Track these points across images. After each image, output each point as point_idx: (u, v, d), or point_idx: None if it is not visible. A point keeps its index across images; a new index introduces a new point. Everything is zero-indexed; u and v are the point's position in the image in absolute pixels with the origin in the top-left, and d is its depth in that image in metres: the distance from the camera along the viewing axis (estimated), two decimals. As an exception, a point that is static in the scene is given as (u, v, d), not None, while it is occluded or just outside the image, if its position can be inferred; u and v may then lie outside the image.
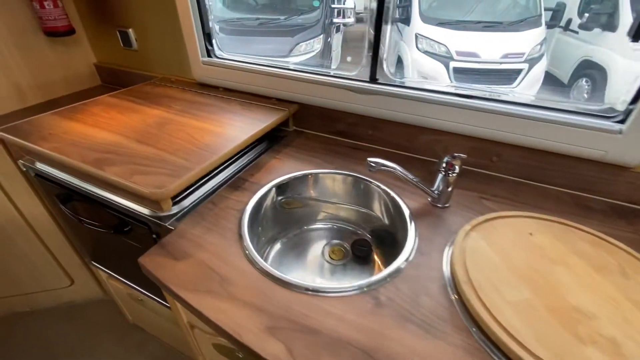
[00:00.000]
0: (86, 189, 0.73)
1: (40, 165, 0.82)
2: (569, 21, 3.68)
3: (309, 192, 0.82)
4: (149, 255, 0.57)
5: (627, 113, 0.64)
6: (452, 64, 3.15)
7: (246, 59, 1.01)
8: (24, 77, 1.11)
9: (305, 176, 0.79)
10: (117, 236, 0.76)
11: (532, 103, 0.73)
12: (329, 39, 3.33)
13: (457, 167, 0.63)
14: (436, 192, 0.67)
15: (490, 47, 3.16)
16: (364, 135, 0.91)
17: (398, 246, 0.67)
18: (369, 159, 0.63)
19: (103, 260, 1.04)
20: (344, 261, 0.78)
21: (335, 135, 0.95)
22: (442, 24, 3.32)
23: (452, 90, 0.78)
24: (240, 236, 0.61)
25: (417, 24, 3.31)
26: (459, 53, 3.14)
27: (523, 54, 3.12)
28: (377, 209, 0.77)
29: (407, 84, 0.83)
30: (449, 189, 0.66)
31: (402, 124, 0.84)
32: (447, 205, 0.68)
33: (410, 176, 0.65)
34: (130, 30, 1.13)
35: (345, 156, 0.86)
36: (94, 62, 1.31)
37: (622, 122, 0.65)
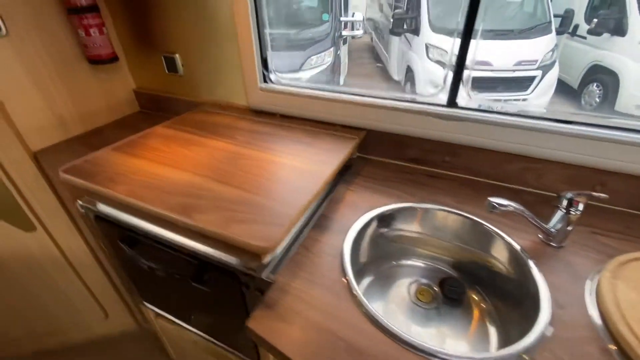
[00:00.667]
0: (160, 234, 0.67)
1: (103, 207, 0.76)
2: (577, 27, 3.68)
3: (408, 227, 0.75)
4: (257, 318, 0.50)
5: None
6: (465, 73, 3.13)
7: (304, 84, 0.96)
8: (67, 108, 1.06)
9: (404, 210, 0.73)
10: (186, 282, 0.70)
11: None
12: (338, 52, 3.33)
13: (581, 204, 0.58)
14: (553, 230, 0.61)
15: (502, 55, 3.15)
16: (440, 162, 0.85)
17: (513, 293, 0.61)
18: (491, 199, 0.57)
19: (158, 301, 0.97)
20: (435, 304, 0.72)
21: (407, 162, 0.89)
22: (451, 33, 3.32)
23: (547, 115, 0.73)
24: (349, 289, 0.54)
25: (427, 34, 3.31)
26: (471, 62, 3.12)
27: (536, 61, 3.10)
28: (480, 247, 0.71)
29: (492, 109, 0.78)
30: (569, 228, 0.60)
31: (485, 150, 0.79)
32: (562, 245, 0.62)
33: (537, 220, 0.59)
34: (176, 55, 1.09)
35: (424, 186, 0.80)
36: (133, 88, 1.26)
37: None
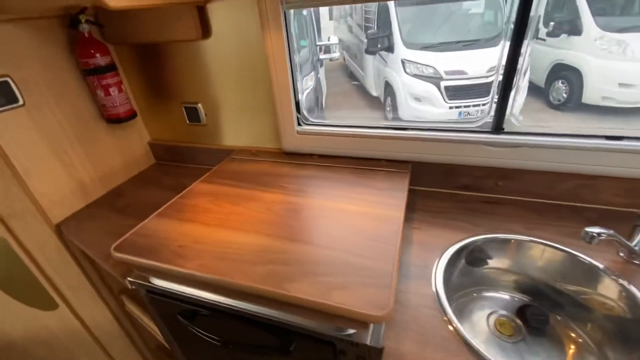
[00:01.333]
0: (235, 306, 0.62)
1: (159, 282, 0.70)
2: (537, 30, 3.96)
3: (495, 263, 0.74)
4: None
5: None
6: (443, 84, 3.28)
7: (341, 123, 0.95)
8: (87, 171, 0.99)
9: (491, 242, 0.72)
10: (263, 354, 0.64)
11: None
12: (318, 75, 3.39)
13: (667, 222, 0.59)
14: (637, 248, 0.62)
15: (475, 64, 3.31)
16: (492, 187, 0.85)
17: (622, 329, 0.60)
18: (587, 229, 0.57)
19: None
20: (520, 337, 0.70)
21: (458, 190, 0.89)
22: (425, 47, 3.48)
23: (599, 132, 0.75)
24: (466, 343, 0.52)
25: (402, 51, 3.45)
26: (447, 72, 3.28)
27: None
28: (576, 281, 0.69)
29: (538, 131, 0.79)
30: (656, 246, 0.61)
31: (537, 172, 0.80)
32: (647, 262, 0.63)
33: (625, 241, 0.60)
34: (199, 105, 1.05)
35: (484, 214, 0.80)
36: (148, 141, 1.21)
37: None
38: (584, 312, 0.66)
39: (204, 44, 0.94)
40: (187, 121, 1.10)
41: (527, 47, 0.75)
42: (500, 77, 0.78)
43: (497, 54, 3.40)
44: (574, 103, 3.54)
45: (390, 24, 3.66)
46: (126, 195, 1.05)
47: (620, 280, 0.60)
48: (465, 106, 3.39)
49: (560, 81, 3.73)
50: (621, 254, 0.65)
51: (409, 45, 3.49)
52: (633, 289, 0.58)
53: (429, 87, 3.38)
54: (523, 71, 3.25)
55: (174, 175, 1.14)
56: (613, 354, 0.59)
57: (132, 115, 1.03)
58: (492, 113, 0.82)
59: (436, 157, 0.86)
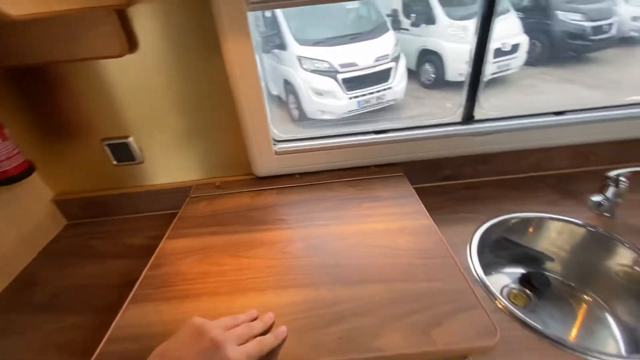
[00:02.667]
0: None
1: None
2: (400, 22, 4.55)
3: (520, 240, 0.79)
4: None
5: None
6: (340, 76, 3.48)
7: (317, 134, 0.86)
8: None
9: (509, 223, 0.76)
10: None
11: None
12: None
13: (626, 179, 0.72)
14: (607, 204, 0.74)
15: (363, 55, 3.60)
16: (471, 172, 0.91)
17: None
18: (592, 198, 0.64)
19: None
20: (533, 304, 0.77)
21: (443, 181, 0.92)
22: (317, 43, 3.61)
23: (550, 111, 0.87)
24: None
25: (295, 48, 3.50)
26: (342, 65, 3.48)
27: (388, 55, 3.68)
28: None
29: (505, 115, 0.87)
30: (619, 200, 0.74)
31: (506, 152, 0.88)
32: (614, 215, 0.75)
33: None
34: (130, 139, 0.81)
35: (474, 200, 0.84)
36: (51, 198, 0.88)
37: None
38: (590, 274, 0.75)
39: (129, 60, 0.71)
40: (114, 162, 0.84)
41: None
42: (470, 70, 0.82)
43: (381, 45, 3.74)
44: (440, 81, 4.16)
45: (278, 22, 3.63)
46: (43, 283, 0.74)
47: (600, 231, 0.71)
48: (362, 95, 3.63)
49: (427, 64, 4.35)
50: (594, 211, 0.77)
51: (301, 42, 3.53)
52: (615, 235, 0.70)
53: (327, 81, 3.49)
54: (394, 56, 3.65)
55: (106, 235, 0.87)
56: (622, 307, 0.69)
57: (26, 170, 0.72)
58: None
59: (420, 154, 0.87)
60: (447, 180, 0.92)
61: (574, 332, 0.71)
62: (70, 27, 0.60)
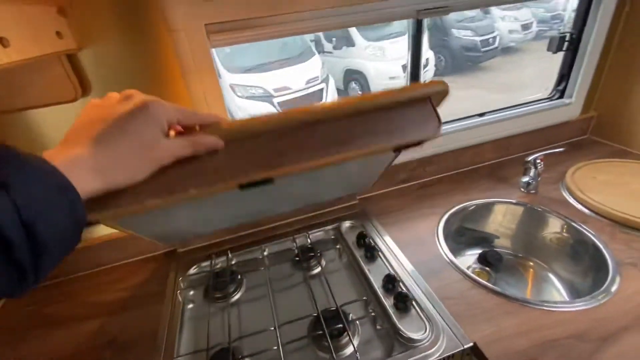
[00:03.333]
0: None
1: None
2: (323, 46, 4.90)
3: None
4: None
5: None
6: (275, 100, 3.60)
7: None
8: None
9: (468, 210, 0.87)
10: None
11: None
12: None
13: (540, 160, 0.89)
14: (533, 182, 0.91)
15: (294, 79, 3.79)
16: (422, 173, 1.03)
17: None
18: (523, 179, 0.78)
19: None
20: (494, 278, 0.89)
21: (401, 184, 1.02)
22: (248, 70, 3.70)
23: (470, 114, 1.04)
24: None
25: (227, 76, 3.55)
26: (275, 89, 3.61)
27: (317, 76, 3.92)
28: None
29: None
30: (539, 179, 0.91)
31: (447, 153, 1.02)
32: (537, 191, 0.92)
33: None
34: (86, 187, 0.75)
35: (431, 196, 0.96)
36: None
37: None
38: (531, 244, 0.90)
39: (78, 105, 0.68)
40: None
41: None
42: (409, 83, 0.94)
43: (310, 68, 3.95)
44: (369, 95, 4.51)
45: (206, 52, 3.60)
46: (-5, 366, 0.64)
47: (533, 206, 0.87)
48: (298, 116, 3.75)
49: (353, 82, 4.71)
50: (522, 190, 0.93)
51: (231, 69, 3.56)
52: (545, 208, 0.86)
53: (264, 106, 3.56)
54: (323, 77, 3.89)
55: (65, 298, 0.78)
56: (559, 266, 0.84)
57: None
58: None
59: (378, 163, 0.96)
60: (404, 183, 1.03)
61: (527, 293, 0.84)
62: (17, 75, 0.56)
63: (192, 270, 0.80)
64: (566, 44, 1.02)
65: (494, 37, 5.24)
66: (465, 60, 5.23)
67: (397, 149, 0.39)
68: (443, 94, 0.39)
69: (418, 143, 0.38)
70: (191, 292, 0.75)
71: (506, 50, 5.46)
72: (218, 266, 0.80)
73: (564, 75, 1.08)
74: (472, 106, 1.14)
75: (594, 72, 1.05)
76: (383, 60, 4.54)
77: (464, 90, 4.41)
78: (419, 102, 0.38)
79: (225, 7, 0.63)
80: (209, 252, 0.84)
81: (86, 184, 0.26)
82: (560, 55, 1.06)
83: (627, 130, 1.07)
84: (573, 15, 1.01)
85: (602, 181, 0.89)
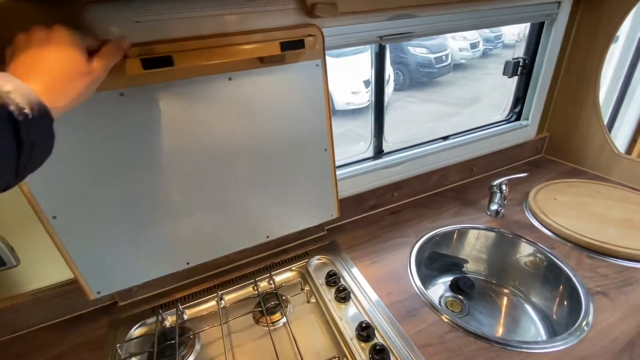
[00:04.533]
0: None
1: None
2: None
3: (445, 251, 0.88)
4: None
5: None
6: None
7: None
8: None
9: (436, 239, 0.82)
10: None
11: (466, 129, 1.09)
12: None
13: (505, 185, 0.89)
14: (500, 208, 0.90)
15: None
16: (390, 199, 0.99)
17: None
18: (492, 207, 0.76)
19: None
20: (467, 309, 0.86)
21: (370, 211, 0.97)
22: None
23: (436, 137, 1.03)
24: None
25: None
26: None
27: None
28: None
29: (407, 145, 0.99)
30: (505, 202, 0.90)
31: (414, 177, 1.00)
32: (503, 214, 0.92)
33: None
34: (-6, 240, 0.61)
35: (400, 223, 0.92)
36: None
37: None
38: (504, 270, 0.88)
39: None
40: (-32, 274, 0.62)
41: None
42: (373, 105, 0.91)
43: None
44: (332, 110, 4.56)
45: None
46: None
47: (500, 229, 0.86)
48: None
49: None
50: (488, 214, 0.92)
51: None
52: (511, 234, 0.85)
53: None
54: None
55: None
56: (533, 293, 0.82)
57: None
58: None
59: (346, 192, 0.91)
60: (373, 210, 0.98)
61: (501, 322, 0.82)
62: None
63: (135, 332, 0.67)
64: (520, 68, 1.06)
65: (447, 55, 5.56)
66: (421, 75, 5.48)
67: None
68: None
69: None
70: (132, 360, 0.63)
71: (457, 66, 5.82)
72: (166, 324, 0.68)
73: (519, 98, 1.12)
74: (432, 123, 1.13)
75: (546, 95, 1.09)
76: (346, 75, 4.61)
77: (421, 105, 4.59)
78: None
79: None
80: (155, 305, 0.72)
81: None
82: (498, 72, 1.09)
83: (577, 150, 1.12)
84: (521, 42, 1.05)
85: (562, 203, 0.91)
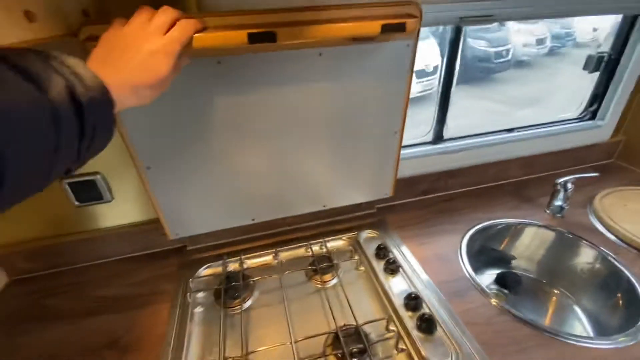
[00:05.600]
0: None
1: None
2: None
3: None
4: None
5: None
6: None
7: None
8: None
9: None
10: None
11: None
12: None
13: (572, 184, 0.85)
14: (565, 206, 0.87)
15: None
16: (444, 186, 0.99)
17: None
18: (556, 203, 0.75)
19: None
20: (511, 302, 0.86)
21: (421, 196, 0.98)
22: None
23: (503, 129, 1.00)
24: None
25: None
26: None
27: None
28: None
29: (468, 134, 0.98)
30: (568, 202, 0.87)
31: (471, 167, 0.99)
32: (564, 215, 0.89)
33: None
34: (98, 176, 0.71)
35: (452, 212, 0.92)
36: (-12, 253, 0.72)
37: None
38: (556, 270, 0.86)
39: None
40: (75, 202, 0.73)
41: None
42: (439, 94, 0.91)
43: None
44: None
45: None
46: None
47: (559, 228, 0.84)
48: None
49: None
50: (547, 212, 0.89)
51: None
52: (572, 235, 0.82)
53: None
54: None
55: (67, 289, 0.74)
56: (588, 301, 0.80)
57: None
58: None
59: (400, 174, 0.92)
60: (425, 195, 0.99)
61: (546, 321, 0.81)
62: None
63: (203, 271, 0.76)
64: (603, 64, 0.99)
65: (508, 50, 5.19)
66: (477, 70, 5.18)
67: None
68: None
69: None
70: (200, 294, 0.71)
71: (519, 63, 5.41)
72: (230, 268, 0.76)
73: (597, 96, 1.05)
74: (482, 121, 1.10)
75: (629, 96, 1.01)
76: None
77: (474, 100, 4.36)
78: None
79: None
80: (220, 252, 0.80)
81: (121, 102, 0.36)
82: (566, 73, 1.02)
83: (655, 158, 1.03)
84: (607, 35, 0.98)
85: (633, 210, 0.86)
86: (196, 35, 0.43)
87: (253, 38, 0.48)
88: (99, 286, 0.74)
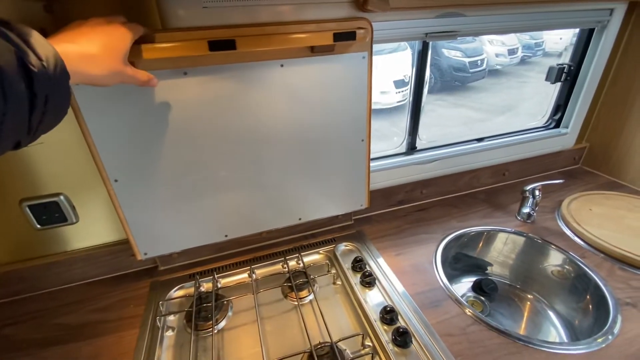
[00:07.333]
0: None
1: None
2: None
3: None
4: None
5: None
6: None
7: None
8: None
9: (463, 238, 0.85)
10: None
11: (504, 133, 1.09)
12: None
13: (539, 191, 0.88)
14: (532, 213, 0.90)
15: None
16: (419, 196, 1.01)
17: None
18: (524, 210, 0.76)
19: None
20: (488, 309, 0.87)
21: (398, 206, 0.99)
22: None
23: (471, 138, 1.03)
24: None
25: None
26: None
27: None
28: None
29: (440, 143, 1.00)
30: (537, 209, 0.90)
31: (444, 176, 1.01)
32: (534, 220, 0.91)
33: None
34: (61, 197, 0.69)
35: (426, 220, 0.93)
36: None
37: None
38: (528, 275, 0.88)
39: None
40: (37, 225, 0.70)
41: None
42: (411, 104, 0.93)
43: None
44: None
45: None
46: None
47: (530, 234, 0.86)
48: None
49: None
50: (519, 218, 0.92)
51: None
52: (541, 240, 0.84)
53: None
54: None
55: (27, 318, 0.70)
56: (560, 304, 0.81)
57: None
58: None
59: (376, 184, 0.93)
60: (401, 205, 1.00)
61: (522, 326, 0.82)
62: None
63: (174, 293, 0.73)
64: (564, 75, 1.04)
65: (482, 60, 5.39)
66: (453, 79, 5.36)
67: None
68: None
69: None
70: (171, 317, 0.68)
71: (492, 72, 5.63)
72: (203, 288, 0.74)
73: (560, 106, 1.10)
74: (460, 128, 1.12)
75: (590, 104, 1.06)
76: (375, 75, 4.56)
77: (452, 109, 4.49)
78: None
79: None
80: (193, 271, 0.78)
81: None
82: (536, 81, 1.08)
83: (617, 163, 1.08)
84: (567, 47, 1.03)
85: (598, 214, 0.90)
86: (160, 45, 0.48)
87: (213, 45, 0.51)
88: (63, 313, 0.70)
